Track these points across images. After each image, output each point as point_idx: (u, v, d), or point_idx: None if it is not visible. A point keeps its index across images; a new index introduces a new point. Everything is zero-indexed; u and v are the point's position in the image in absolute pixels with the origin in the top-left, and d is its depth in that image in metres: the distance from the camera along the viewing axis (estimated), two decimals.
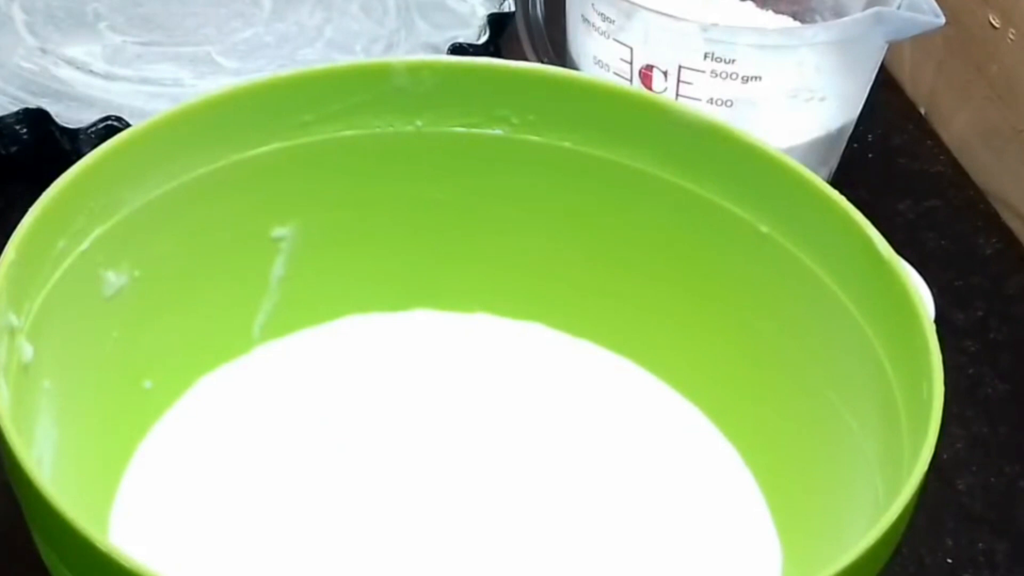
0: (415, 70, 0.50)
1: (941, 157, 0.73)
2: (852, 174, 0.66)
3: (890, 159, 0.70)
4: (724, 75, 0.59)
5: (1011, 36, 0.68)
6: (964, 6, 0.71)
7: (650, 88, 0.60)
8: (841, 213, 0.47)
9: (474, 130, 0.51)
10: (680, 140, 0.50)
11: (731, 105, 0.60)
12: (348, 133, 0.50)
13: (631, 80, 0.61)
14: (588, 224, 0.52)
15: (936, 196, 0.70)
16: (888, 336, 0.45)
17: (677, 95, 0.60)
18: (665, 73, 0.60)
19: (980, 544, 0.54)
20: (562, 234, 0.53)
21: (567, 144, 0.51)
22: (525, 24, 0.68)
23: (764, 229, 0.49)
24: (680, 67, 0.59)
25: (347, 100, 0.50)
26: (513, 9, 0.69)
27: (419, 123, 0.51)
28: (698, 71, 0.59)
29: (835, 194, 0.47)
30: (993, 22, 0.70)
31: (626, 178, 0.51)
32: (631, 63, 0.60)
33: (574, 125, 0.51)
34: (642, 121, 0.50)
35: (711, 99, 0.60)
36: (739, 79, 0.59)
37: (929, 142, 0.74)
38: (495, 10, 0.71)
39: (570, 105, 0.51)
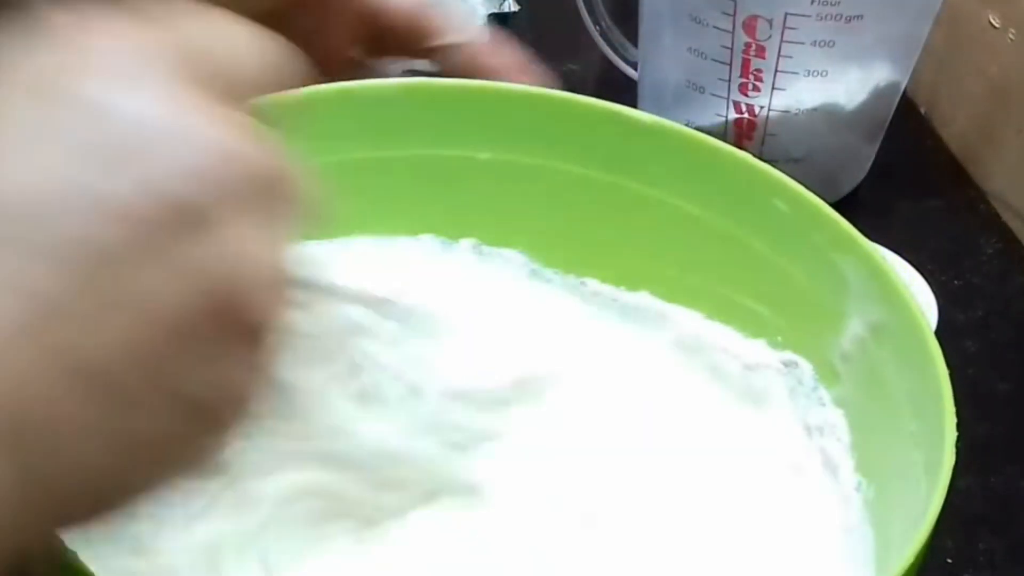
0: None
1: (941, 157, 0.73)
2: None
3: (890, 159, 0.70)
4: (828, 17, 0.60)
5: (1011, 36, 0.68)
6: (964, 6, 0.71)
7: (753, 38, 0.61)
8: (843, 232, 0.47)
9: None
10: (672, 158, 0.50)
11: (833, 46, 0.61)
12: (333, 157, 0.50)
13: (732, 31, 0.61)
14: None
15: (936, 196, 0.71)
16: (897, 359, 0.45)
17: (781, 41, 0.60)
18: (770, 22, 0.60)
19: (980, 544, 0.54)
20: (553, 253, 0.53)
21: (558, 164, 0.51)
22: None
23: (757, 244, 0.49)
24: (786, 14, 0.60)
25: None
26: (513, 9, 0.69)
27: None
28: (804, 16, 0.60)
29: (833, 213, 0.48)
30: (993, 22, 0.70)
31: (625, 198, 0.51)
32: (734, 15, 0.61)
33: (558, 143, 0.51)
34: (642, 143, 0.50)
35: (815, 42, 0.61)
36: (842, 19, 0.60)
37: (929, 142, 0.74)
38: (495, 10, 0.71)
39: (557, 124, 0.51)
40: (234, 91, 0.28)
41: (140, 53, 0.26)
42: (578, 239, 0.52)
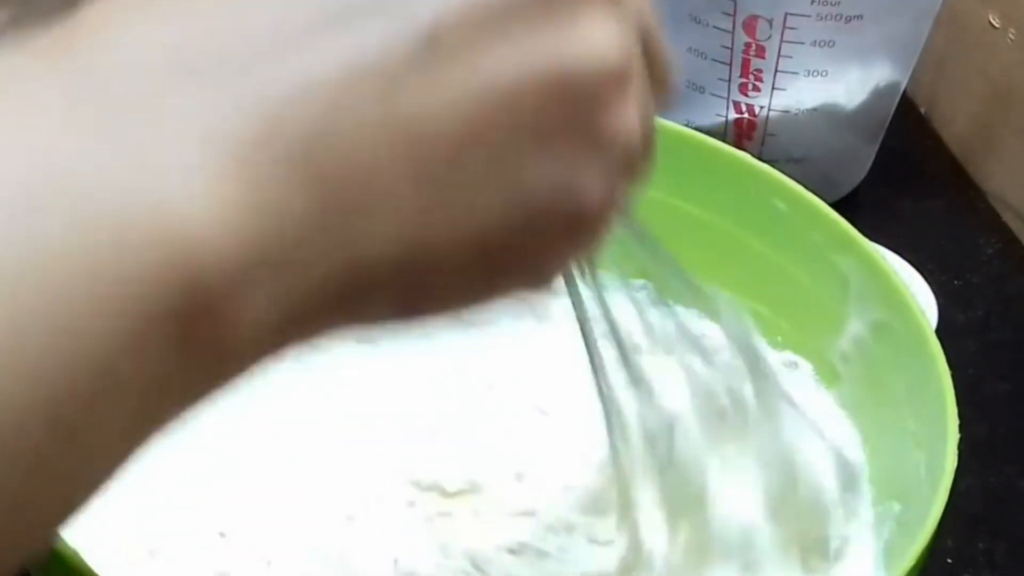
0: None
1: (941, 157, 0.73)
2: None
3: (890, 159, 0.70)
4: (828, 17, 0.60)
5: (1011, 36, 0.68)
6: (964, 6, 0.71)
7: (753, 38, 0.61)
8: (843, 232, 0.47)
9: None
10: (672, 158, 0.50)
11: (833, 46, 0.61)
12: None
13: (732, 31, 0.61)
14: None
15: (936, 196, 0.71)
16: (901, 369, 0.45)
17: (781, 41, 0.61)
18: (770, 21, 0.60)
19: (980, 544, 0.54)
20: None
21: None
22: None
23: (757, 244, 0.49)
24: (786, 14, 0.60)
25: None
26: None
27: None
28: (804, 16, 0.60)
29: (833, 213, 0.48)
30: (993, 22, 0.70)
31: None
32: (733, 15, 0.61)
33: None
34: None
35: (814, 42, 0.61)
36: (842, 19, 0.60)
37: (929, 142, 0.74)
38: None
39: None
40: None
41: None
42: None
